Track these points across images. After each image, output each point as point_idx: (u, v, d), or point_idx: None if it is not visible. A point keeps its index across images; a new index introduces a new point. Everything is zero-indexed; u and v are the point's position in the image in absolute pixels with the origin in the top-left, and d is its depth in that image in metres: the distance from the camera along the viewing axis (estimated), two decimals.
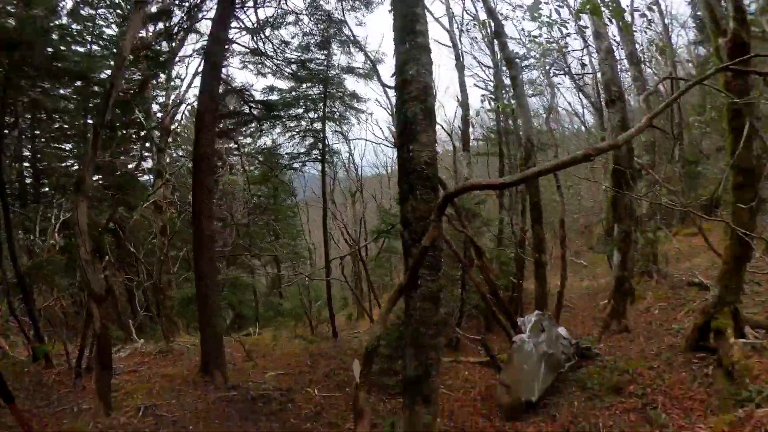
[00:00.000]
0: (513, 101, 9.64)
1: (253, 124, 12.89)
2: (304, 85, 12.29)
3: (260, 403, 6.11)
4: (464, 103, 13.39)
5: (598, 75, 12.63)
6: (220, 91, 8.05)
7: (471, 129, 12.13)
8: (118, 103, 10.42)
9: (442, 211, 2.79)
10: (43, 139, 12.00)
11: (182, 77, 13.82)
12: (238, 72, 22.77)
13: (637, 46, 12.29)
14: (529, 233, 10.79)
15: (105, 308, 5.19)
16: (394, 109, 4.81)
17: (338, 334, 12.36)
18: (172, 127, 13.33)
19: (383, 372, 7.14)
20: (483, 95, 11.74)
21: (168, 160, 13.62)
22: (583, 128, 24.19)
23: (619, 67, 10.19)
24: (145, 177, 15.18)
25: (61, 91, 10.86)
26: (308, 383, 7.44)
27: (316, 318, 14.01)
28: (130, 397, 5.56)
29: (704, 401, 4.30)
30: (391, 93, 13.33)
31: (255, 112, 11.38)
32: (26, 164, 11.51)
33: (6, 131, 8.90)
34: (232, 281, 13.78)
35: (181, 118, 15.03)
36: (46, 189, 13.09)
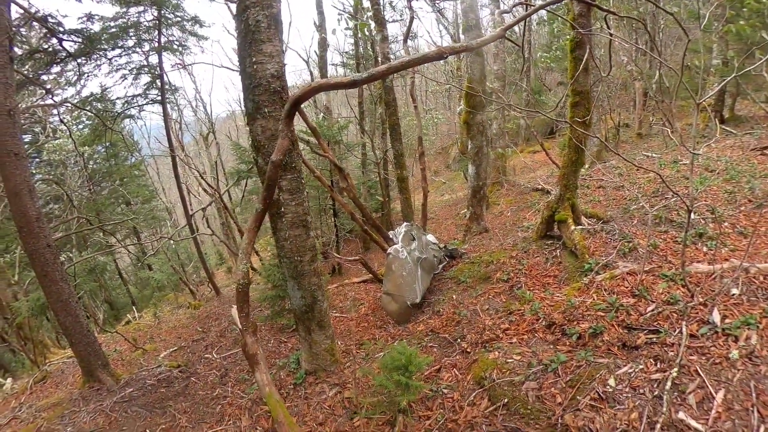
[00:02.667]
0: (371, 22, 9.42)
1: (70, 66, 10.19)
2: (132, 10, 10.11)
3: (162, 388, 5.64)
4: (321, 26, 12.77)
5: (458, 3, 12.99)
6: (13, 20, 6.09)
7: (329, 54, 11.61)
8: None
9: (290, 118, 2.54)
10: None
11: None
12: None
13: None
14: (390, 154, 11.26)
15: None
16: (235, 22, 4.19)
17: (219, 291, 11.84)
18: None
19: (276, 314, 7.03)
20: (340, 13, 11.11)
21: None
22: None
23: None
24: None
25: None
26: (205, 349, 7.14)
27: (194, 281, 13.00)
28: None
29: (557, 276, 5.07)
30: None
31: (69, 48, 9.01)
32: None
33: None
34: (88, 266, 11.71)
35: None
36: None
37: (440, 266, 6.68)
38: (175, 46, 11.47)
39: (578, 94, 5.45)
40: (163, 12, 10.38)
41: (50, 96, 10.00)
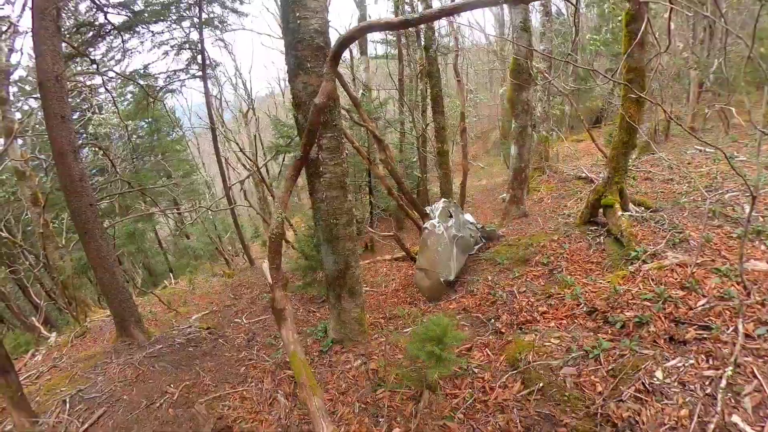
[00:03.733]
0: None
1: (115, 43, 10.36)
2: None
3: (190, 347, 5.73)
4: (360, 3, 12.54)
5: None
6: None
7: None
8: None
9: (335, 60, 2.37)
10: None
11: None
12: None
13: None
14: (429, 130, 10.95)
15: None
16: None
17: (254, 261, 12.08)
18: (11, 69, 10.18)
19: (307, 285, 7.05)
20: None
21: (18, 115, 10.77)
22: (483, 39, 24.57)
23: None
24: None
25: None
26: (235, 315, 7.25)
27: (229, 252, 13.33)
28: (52, 393, 4.82)
29: (600, 263, 4.79)
30: None
31: (114, 22, 9.18)
32: None
33: None
34: (128, 230, 12.14)
35: (21, 55, 11.84)
36: None
37: (476, 247, 6.45)
38: (215, 23, 11.51)
39: (632, 70, 5.09)
40: None
41: (97, 67, 10.23)
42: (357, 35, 2.61)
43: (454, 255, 5.75)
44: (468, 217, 6.79)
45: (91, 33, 9.79)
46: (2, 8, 10.22)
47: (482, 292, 5.17)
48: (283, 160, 13.30)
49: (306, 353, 4.74)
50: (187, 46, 11.37)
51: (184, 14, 10.66)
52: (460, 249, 5.91)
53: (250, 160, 13.21)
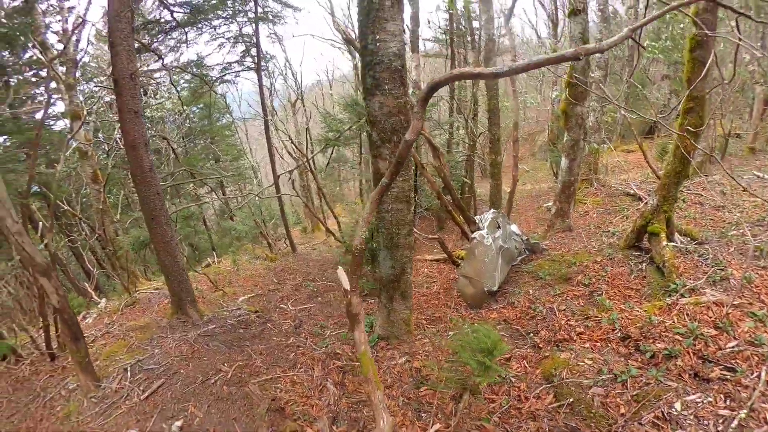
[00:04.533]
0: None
1: (176, 34, 10.89)
2: None
3: (240, 329, 6.14)
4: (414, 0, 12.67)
5: None
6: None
7: (419, 29, 11.48)
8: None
9: (426, 101, 2.69)
10: None
11: None
12: None
13: None
14: (480, 138, 11.00)
15: (55, 278, 4.48)
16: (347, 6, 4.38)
17: (296, 248, 12.59)
18: (78, 56, 10.87)
19: None
20: None
21: (82, 98, 11.66)
22: (535, 37, 24.11)
23: None
24: (60, 123, 13.13)
25: None
26: (281, 300, 7.65)
27: (272, 236, 13.96)
28: (112, 359, 5.32)
29: (639, 291, 4.96)
30: None
31: (177, 18, 9.83)
32: None
33: None
34: (185, 214, 13.03)
35: (87, 44, 12.75)
36: None
37: (519, 258, 6.72)
38: (270, 17, 11.89)
39: (693, 99, 5.05)
40: None
41: (162, 62, 10.96)
42: (448, 81, 2.91)
43: (499, 266, 6.05)
44: (514, 228, 7.03)
45: (156, 29, 10.45)
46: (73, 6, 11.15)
47: (523, 306, 5.48)
48: (331, 153, 13.73)
49: (351, 346, 5.16)
50: (241, 39, 11.84)
51: (241, 8, 11.07)
52: (504, 260, 6.21)
53: (299, 150, 13.70)
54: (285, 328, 6.28)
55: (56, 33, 11.04)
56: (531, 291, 5.80)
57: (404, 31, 4.23)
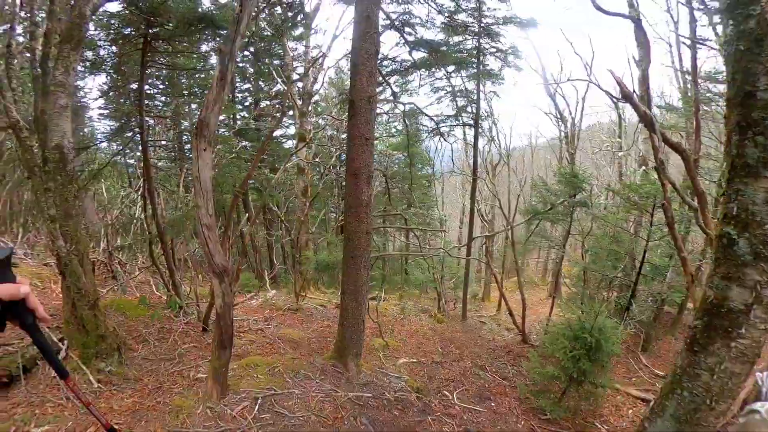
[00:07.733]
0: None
1: (411, 77, 11.53)
2: (454, 38, 10.70)
3: (396, 410, 5.12)
4: (642, 59, 10.50)
5: None
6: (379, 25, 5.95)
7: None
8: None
9: None
10: (181, 99, 10.18)
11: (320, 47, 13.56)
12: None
13: None
14: None
15: (227, 283, 4.15)
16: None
17: (467, 316, 11.75)
18: (314, 89, 12.81)
19: (543, 398, 5.80)
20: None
21: (310, 127, 13.25)
22: None
23: None
24: (290, 142, 15.30)
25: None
26: (444, 382, 6.61)
27: (445, 294, 12.98)
28: (250, 374, 4.92)
29: None
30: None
31: (414, 58, 9.92)
32: (168, 122, 10.75)
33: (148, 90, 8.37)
34: (382, 257, 13.15)
35: (322, 83, 14.60)
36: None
37: None
38: (493, 73, 11.67)
39: None
40: (481, 41, 10.74)
41: (394, 96, 11.38)
42: None
43: None
44: None
45: (392, 67, 10.84)
46: (317, 46, 12.99)
47: None
48: (536, 227, 12.19)
49: None
50: (462, 93, 11.89)
51: (462, 64, 11.02)
52: None
53: (506, 217, 12.59)
54: (446, 430, 5.08)
55: (299, 74, 13.23)
56: None
57: None
